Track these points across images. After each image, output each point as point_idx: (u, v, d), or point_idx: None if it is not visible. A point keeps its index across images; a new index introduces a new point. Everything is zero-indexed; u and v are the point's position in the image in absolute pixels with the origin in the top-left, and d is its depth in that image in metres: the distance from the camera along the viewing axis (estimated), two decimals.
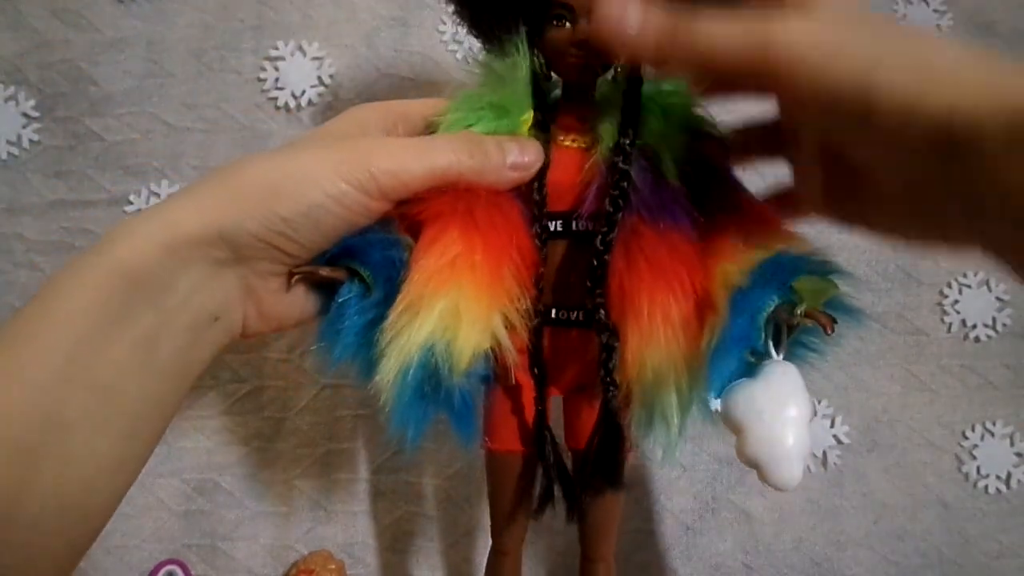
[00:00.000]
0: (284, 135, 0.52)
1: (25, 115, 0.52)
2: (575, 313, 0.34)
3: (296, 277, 0.31)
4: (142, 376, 0.29)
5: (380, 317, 0.31)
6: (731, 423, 0.29)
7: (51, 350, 0.27)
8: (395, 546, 0.49)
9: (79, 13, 0.53)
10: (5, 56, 0.52)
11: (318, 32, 0.54)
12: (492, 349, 0.31)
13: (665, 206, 0.32)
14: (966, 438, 0.54)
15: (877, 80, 0.25)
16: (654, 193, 0.32)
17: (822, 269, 0.31)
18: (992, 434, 0.54)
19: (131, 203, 0.51)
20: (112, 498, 0.31)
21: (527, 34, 0.33)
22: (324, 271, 0.32)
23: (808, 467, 0.53)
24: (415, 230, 0.32)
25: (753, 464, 0.29)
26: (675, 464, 0.35)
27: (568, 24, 0.33)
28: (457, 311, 0.30)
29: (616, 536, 0.37)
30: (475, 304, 0.31)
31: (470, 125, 0.34)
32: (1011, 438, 0.54)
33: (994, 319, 0.56)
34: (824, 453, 0.53)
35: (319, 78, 0.53)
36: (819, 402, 0.53)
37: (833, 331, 0.29)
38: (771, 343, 0.30)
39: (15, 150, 0.51)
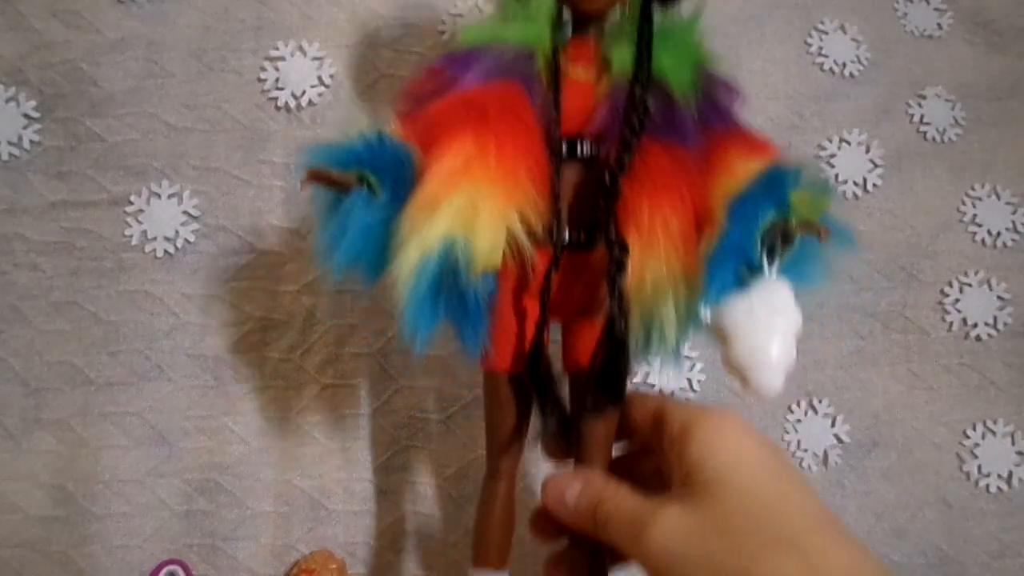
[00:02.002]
0: (285, 135, 0.53)
1: (26, 116, 0.52)
2: (579, 234, 0.34)
3: (307, 179, 0.32)
4: None
5: (387, 219, 0.32)
6: (720, 331, 0.31)
7: None
8: (396, 546, 0.49)
9: (79, 14, 0.53)
10: (6, 57, 0.52)
11: (318, 32, 0.54)
12: (508, 247, 0.32)
13: (671, 126, 0.33)
14: (967, 437, 0.54)
15: None
16: (661, 115, 0.33)
17: (816, 182, 0.33)
18: (993, 433, 0.54)
19: (131, 203, 0.51)
20: None
21: None
22: (334, 174, 0.32)
23: (809, 466, 0.52)
24: (426, 139, 0.33)
25: (738, 370, 0.30)
26: (677, 377, 0.36)
27: None
28: (475, 207, 0.31)
29: (610, 449, 0.36)
30: (492, 202, 0.31)
31: (497, 35, 0.35)
32: (1012, 437, 0.54)
33: (995, 318, 0.56)
34: (825, 452, 0.53)
35: (319, 78, 0.53)
36: (820, 401, 0.53)
37: (826, 240, 0.31)
38: (765, 258, 0.31)
39: (16, 151, 0.51)
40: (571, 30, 0.36)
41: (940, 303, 0.56)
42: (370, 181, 0.32)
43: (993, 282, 0.56)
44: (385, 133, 0.33)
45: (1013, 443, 0.54)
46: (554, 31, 0.35)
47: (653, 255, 0.32)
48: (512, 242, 0.32)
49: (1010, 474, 0.54)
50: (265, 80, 0.53)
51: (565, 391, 0.36)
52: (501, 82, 0.34)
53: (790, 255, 0.32)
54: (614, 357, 0.32)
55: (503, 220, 0.32)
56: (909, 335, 0.55)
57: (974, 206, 0.57)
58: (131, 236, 0.51)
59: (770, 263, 0.31)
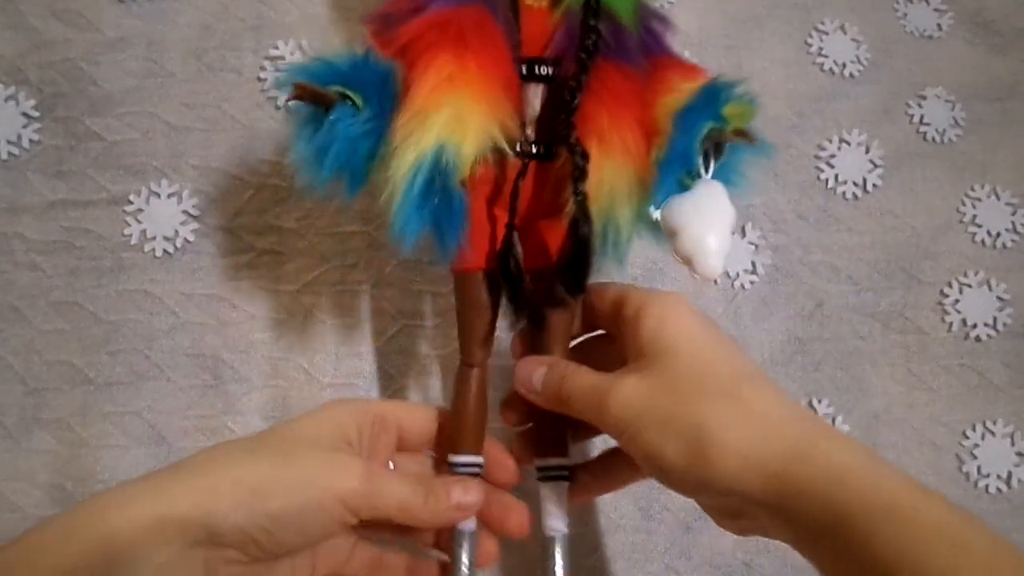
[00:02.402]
0: (285, 134, 0.52)
1: (25, 115, 0.52)
2: (539, 147, 0.39)
3: (292, 94, 0.34)
4: None
5: (371, 132, 0.36)
6: (668, 227, 0.36)
7: None
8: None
9: (79, 13, 0.53)
10: (5, 56, 0.52)
11: (318, 32, 0.54)
12: (493, 154, 0.36)
13: (621, 48, 0.38)
14: (967, 437, 0.54)
15: (666, 461, 0.32)
16: (611, 38, 0.38)
17: (745, 97, 0.39)
18: (993, 433, 0.54)
19: (131, 202, 0.51)
20: None
21: None
22: (320, 89, 0.35)
23: None
24: (407, 56, 0.36)
25: (685, 259, 0.36)
26: (616, 270, 0.40)
27: None
28: (461, 116, 0.35)
29: (569, 336, 0.41)
30: (476, 111, 0.35)
31: None
32: (1012, 437, 0.54)
33: (995, 318, 0.56)
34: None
35: None
36: (819, 401, 0.53)
37: (753, 143, 0.37)
38: (702, 163, 0.37)
39: (15, 150, 0.51)
40: None
41: (940, 304, 0.56)
42: (353, 97, 0.35)
43: (993, 283, 0.56)
44: (369, 53, 0.37)
45: (1013, 444, 0.54)
46: None
47: (611, 161, 0.36)
48: (493, 149, 0.36)
49: (1009, 475, 0.54)
50: (265, 79, 0.53)
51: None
52: (469, 6, 0.37)
53: (722, 160, 0.38)
54: (579, 254, 0.35)
55: (487, 129, 0.35)
56: (909, 335, 0.55)
57: (974, 207, 0.57)
58: (130, 235, 0.51)
59: (707, 167, 0.37)
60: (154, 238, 0.51)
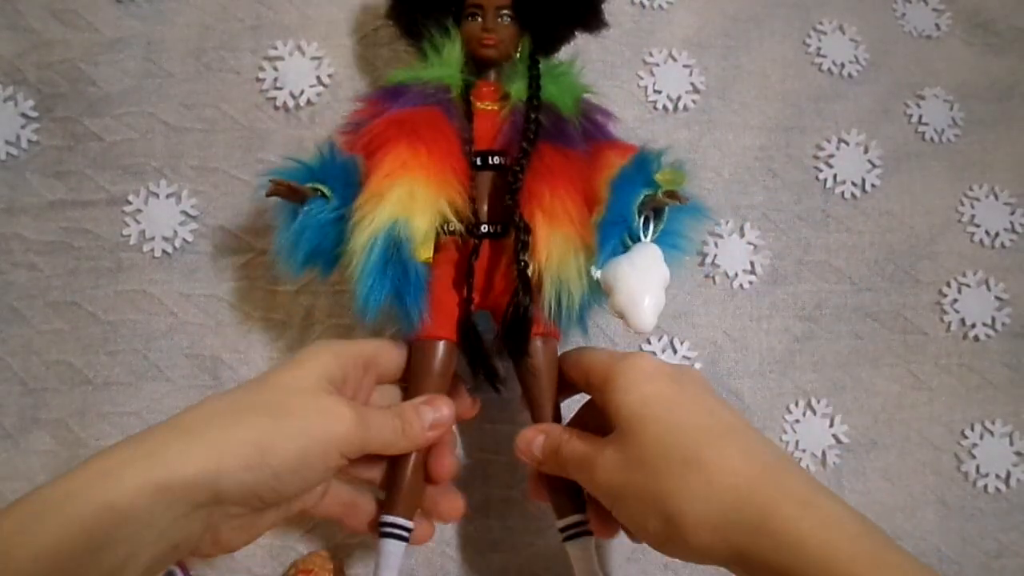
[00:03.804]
0: (283, 135, 0.52)
1: (24, 115, 0.52)
2: (495, 227, 0.43)
3: (271, 188, 0.39)
4: None
5: (338, 218, 0.40)
6: (605, 285, 0.40)
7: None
8: None
9: (78, 13, 0.53)
10: (4, 56, 0.52)
11: (317, 32, 0.54)
12: (440, 228, 0.40)
13: (561, 134, 0.43)
14: (965, 437, 0.54)
15: (648, 534, 0.34)
16: (553, 126, 0.43)
17: (674, 162, 0.42)
18: (991, 433, 0.54)
19: (130, 203, 0.51)
20: None
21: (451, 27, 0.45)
22: (294, 185, 0.39)
23: (807, 467, 0.52)
24: (369, 150, 0.41)
25: (619, 314, 0.39)
26: (581, 333, 0.44)
27: (480, 18, 0.45)
28: (413, 195, 0.39)
29: (555, 396, 0.43)
30: (426, 190, 0.39)
31: (418, 75, 0.43)
32: (1010, 437, 0.54)
33: (993, 318, 0.56)
34: (823, 452, 0.53)
35: (318, 78, 0.53)
36: (818, 401, 0.53)
37: (685, 202, 0.40)
38: (642, 226, 0.40)
39: (14, 150, 0.51)
40: (476, 72, 0.45)
41: (938, 303, 0.56)
42: (323, 191, 0.40)
43: (991, 282, 0.56)
44: (335, 147, 0.42)
45: (1011, 443, 0.54)
46: (464, 72, 0.44)
47: (556, 230, 0.40)
48: (449, 229, 0.41)
49: (1008, 474, 0.54)
50: (264, 80, 0.53)
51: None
52: (425, 108, 0.42)
53: (662, 225, 0.41)
54: (517, 316, 0.40)
55: (436, 205, 0.40)
56: (907, 335, 0.55)
57: (972, 206, 0.57)
58: (129, 236, 0.51)
59: (646, 230, 0.40)
60: (153, 238, 0.51)
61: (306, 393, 0.36)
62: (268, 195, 0.39)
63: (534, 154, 0.42)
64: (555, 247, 0.40)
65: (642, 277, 0.39)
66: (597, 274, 0.40)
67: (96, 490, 0.29)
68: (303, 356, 0.38)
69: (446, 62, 0.44)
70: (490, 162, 0.43)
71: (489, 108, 0.45)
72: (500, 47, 0.45)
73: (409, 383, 0.42)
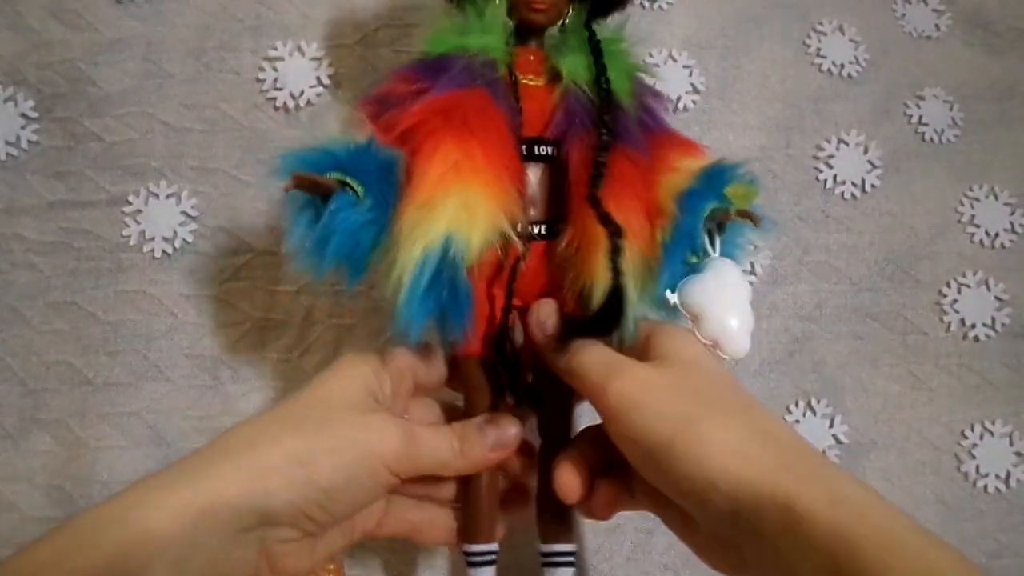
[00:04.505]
0: (283, 135, 0.52)
1: (24, 116, 0.52)
2: (542, 228, 0.38)
3: (290, 184, 0.33)
4: None
5: (372, 221, 0.35)
6: (688, 312, 0.36)
7: None
8: (394, 546, 0.49)
9: (78, 13, 0.53)
10: (4, 56, 0.52)
11: (317, 32, 0.54)
12: (499, 240, 0.35)
13: (625, 130, 0.38)
14: (965, 437, 0.54)
15: (673, 452, 0.30)
16: (616, 120, 0.37)
17: (748, 177, 0.38)
18: (991, 433, 0.54)
19: (130, 203, 0.51)
20: None
21: None
22: (319, 178, 0.34)
23: None
24: (408, 141, 0.36)
25: (711, 342, 0.36)
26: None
27: None
28: (469, 206, 0.34)
29: (574, 419, 0.40)
30: (483, 201, 0.34)
31: (460, 43, 0.37)
32: (1010, 437, 0.54)
33: (993, 319, 0.56)
34: (823, 452, 0.53)
35: (318, 78, 0.53)
36: (818, 401, 0.53)
37: (759, 226, 0.37)
38: (707, 242, 0.37)
39: (14, 151, 0.51)
40: (514, 41, 0.40)
41: (938, 304, 0.56)
42: (352, 185, 0.35)
43: (991, 283, 0.56)
44: (371, 140, 0.36)
45: (1011, 443, 0.54)
46: (508, 42, 0.38)
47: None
48: (500, 237, 0.35)
49: (1008, 474, 0.54)
50: (264, 80, 0.53)
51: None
52: (470, 90, 0.36)
53: (724, 238, 0.38)
54: (611, 313, 0.35)
55: (494, 218, 0.35)
56: (907, 335, 0.55)
57: (972, 207, 0.57)
58: (129, 236, 0.51)
59: (712, 243, 0.37)
60: (153, 239, 0.51)
61: (348, 408, 0.34)
62: (287, 190, 0.34)
63: (585, 148, 0.37)
64: (604, 264, 0.35)
65: (728, 298, 0.36)
66: (673, 299, 0.37)
67: (133, 516, 0.28)
68: (341, 369, 0.36)
69: (488, 27, 0.38)
70: (538, 153, 0.38)
71: (533, 83, 0.39)
72: (551, 11, 0.39)
73: (464, 399, 0.39)
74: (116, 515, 0.28)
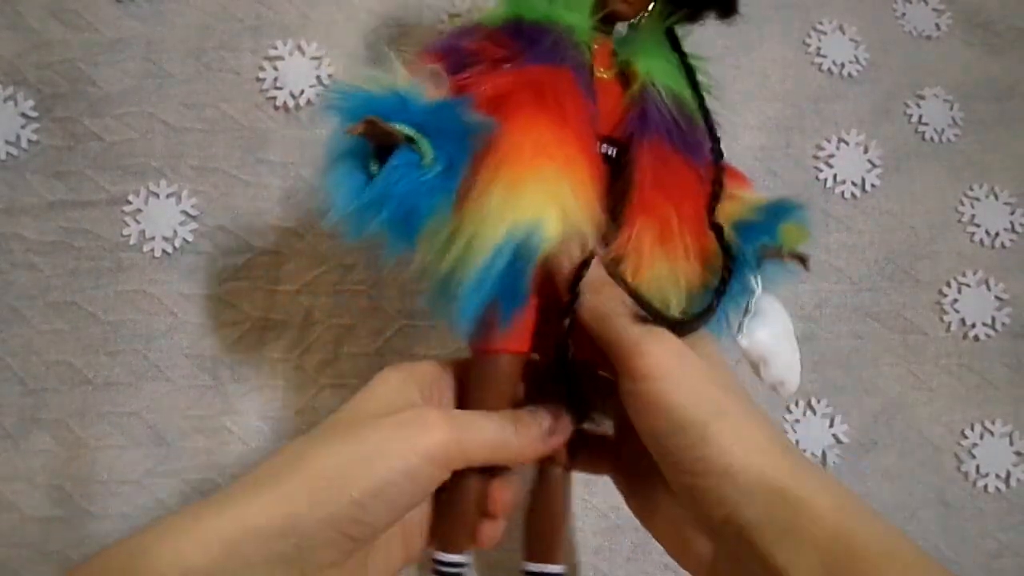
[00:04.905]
0: (283, 135, 0.52)
1: (24, 115, 0.52)
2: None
3: (360, 128, 0.29)
4: None
5: (436, 188, 0.31)
6: (755, 357, 0.35)
7: None
8: None
9: (78, 13, 0.53)
10: (4, 56, 0.52)
11: (317, 32, 0.54)
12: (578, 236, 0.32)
13: (697, 144, 0.36)
14: (965, 437, 0.54)
15: (705, 434, 0.30)
16: (689, 131, 0.35)
17: (804, 218, 0.37)
18: (991, 433, 0.54)
19: (130, 203, 0.51)
20: None
21: None
22: (395, 128, 0.30)
23: None
24: (494, 111, 0.32)
25: (778, 385, 0.35)
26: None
27: None
28: (556, 194, 0.31)
29: None
30: (572, 191, 0.32)
31: (554, 15, 0.34)
32: (1010, 437, 0.54)
33: (993, 318, 0.56)
34: (823, 452, 0.53)
35: (318, 78, 0.53)
36: (819, 401, 0.53)
37: (809, 268, 0.36)
38: (756, 277, 0.35)
39: (14, 150, 0.51)
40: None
41: (938, 303, 0.56)
42: (421, 144, 0.30)
43: (991, 282, 0.56)
44: (460, 100, 0.32)
45: (1011, 443, 0.54)
46: (594, 26, 0.35)
47: (667, 263, 0.33)
48: (580, 234, 0.32)
49: (1008, 474, 0.54)
50: (264, 80, 0.53)
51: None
52: (560, 69, 0.33)
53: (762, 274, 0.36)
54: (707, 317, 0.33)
55: (580, 212, 0.32)
56: (907, 335, 0.55)
57: (972, 206, 0.57)
58: (129, 236, 0.51)
59: (759, 277, 0.35)
60: (153, 238, 0.51)
61: (379, 414, 0.32)
62: (353, 133, 0.30)
63: (655, 154, 0.34)
64: (658, 278, 0.33)
65: (784, 338, 0.36)
66: (744, 343, 0.35)
67: (163, 549, 0.27)
68: (371, 383, 0.34)
69: (576, 4, 0.35)
70: (603, 152, 0.35)
71: (605, 76, 0.36)
72: (636, 4, 0.37)
73: (468, 399, 0.35)
74: (144, 549, 0.27)
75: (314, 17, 0.54)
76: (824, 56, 0.58)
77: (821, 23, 0.59)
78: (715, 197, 0.35)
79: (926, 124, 0.58)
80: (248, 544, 0.27)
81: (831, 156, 0.57)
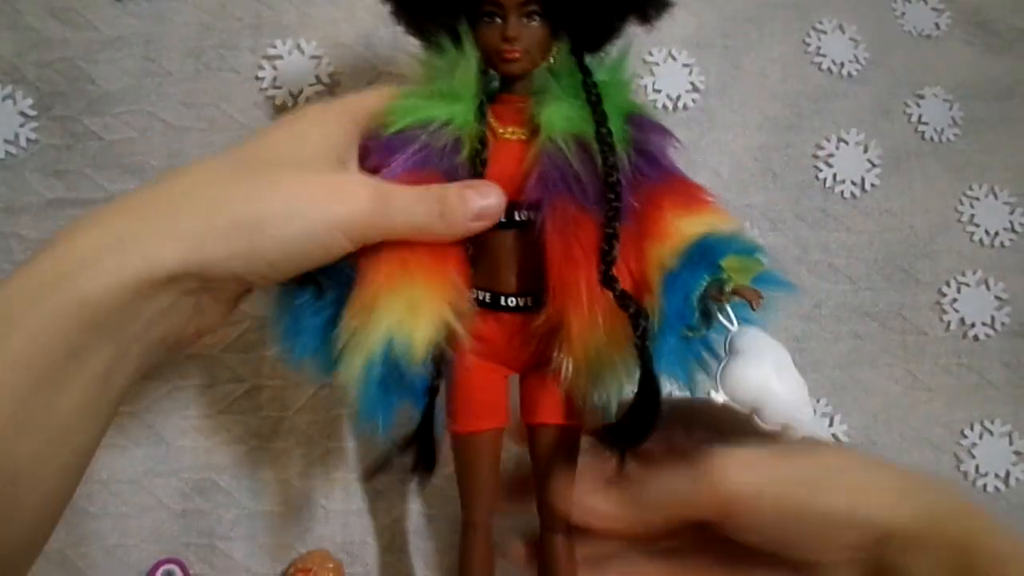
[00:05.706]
0: None
1: (23, 114, 0.51)
2: (524, 300, 0.35)
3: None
4: (95, 413, 0.28)
5: (335, 316, 0.32)
6: (745, 404, 0.30)
7: (3, 397, 0.25)
8: (393, 545, 0.49)
9: (77, 12, 0.53)
10: (3, 55, 0.52)
11: (316, 31, 0.54)
12: (446, 338, 0.33)
13: (602, 195, 0.33)
14: (965, 437, 0.54)
15: (819, 502, 0.30)
16: (592, 183, 0.33)
17: (747, 248, 0.33)
18: (991, 433, 0.54)
19: None
20: (47, 528, 0.30)
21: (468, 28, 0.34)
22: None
23: None
24: None
25: (784, 429, 0.31)
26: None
27: (499, 20, 0.34)
28: (411, 305, 0.32)
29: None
30: (427, 297, 0.32)
31: (424, 115, 0.34)
32: (1010, 436, 0.54)
33: (993, 318, 0.56)
34: None
35: (317, 77, 0.53)
36: (818, 401, 0.53)
37: (759, 306, 0.31)
38: (723, 315, 0.31)
39: (13, 149, 0.51)
40: (499, 87, 0.36)
41: (938, 303, 0.56)
42: (319, 280, 0.33)
43: (991, 282, 0.56)
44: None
45: (1011, 443, 0.54)
46: (482, 102, 0.35)
47: (593, 328, 0.32)
48: (448, 333, 0.33)
49: (1007, 474, 0.54)
50: (263, 78, 0.53)
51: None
52: (423, 173, 0.33)
53: (736, 303, 0.32)
54: (647, 407, 0.31)
55: (438, 314, 0.32)
56: (907, 335, 0.55)
57: (972, 206, 0.57)
58: None
59: (724, 315, 0.32)
60: None
61: (305, 168, 0.31)
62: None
63: (563, 217, 0.33)
64: (592, 344, 0.32)
65: (777, 375, 0.30)
66: (720, 397, 0.32)
67: (70, 285, 0.26)
68: (299, 120, 0.32)
69: (459, 89, 0.34)
70: (518, 219, 0.34)
71: (514, 138, 0.35)
72: (526, 58, 0.35)
73: (457, 476, 0.37)
74: (50, 284, 0.26)
75: (313, 16, 0.54)
76: (824, 55, 0.58)
77: (821, 23, 0.59)
78: (606, 253, 0.32)
79: (926, 124, 0.58)
80: (157, 281, 0.28)
81: (831, 155, 0.57)
